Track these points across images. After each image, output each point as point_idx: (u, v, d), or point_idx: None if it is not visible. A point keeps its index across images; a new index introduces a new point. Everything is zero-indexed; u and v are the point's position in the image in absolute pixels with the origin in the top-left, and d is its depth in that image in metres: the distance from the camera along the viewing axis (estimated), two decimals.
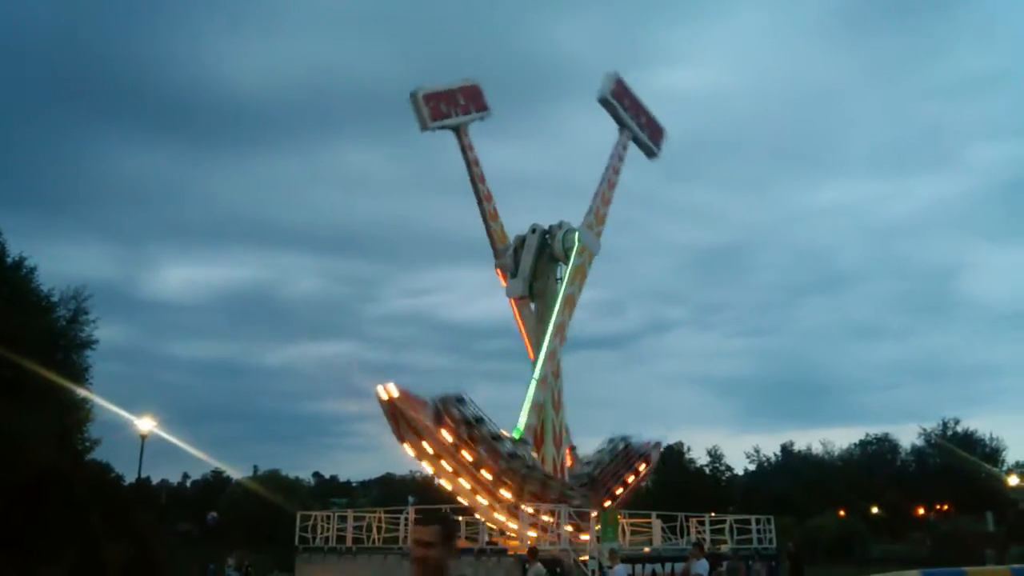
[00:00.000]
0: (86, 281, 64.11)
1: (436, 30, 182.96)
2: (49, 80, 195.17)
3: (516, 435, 28.74)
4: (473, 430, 26.97)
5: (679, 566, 28.14)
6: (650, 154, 36.94)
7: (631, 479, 34.26)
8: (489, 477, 26.61)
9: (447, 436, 26.56)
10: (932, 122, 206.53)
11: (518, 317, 32.28)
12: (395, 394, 26.61)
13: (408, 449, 27.30)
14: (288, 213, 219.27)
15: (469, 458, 26.57)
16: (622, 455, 34.31)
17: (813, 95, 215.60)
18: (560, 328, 31.23)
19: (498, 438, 27.57)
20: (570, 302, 31.43)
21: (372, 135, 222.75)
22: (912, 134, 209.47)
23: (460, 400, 27.60)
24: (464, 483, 27.36)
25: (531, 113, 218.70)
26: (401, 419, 26.78)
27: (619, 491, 33.55)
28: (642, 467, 34.86)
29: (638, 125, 35.80)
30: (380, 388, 26.94)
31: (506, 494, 26.75)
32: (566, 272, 31.86)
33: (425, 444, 26.77)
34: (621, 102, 34.74)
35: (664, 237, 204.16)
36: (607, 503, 32.01)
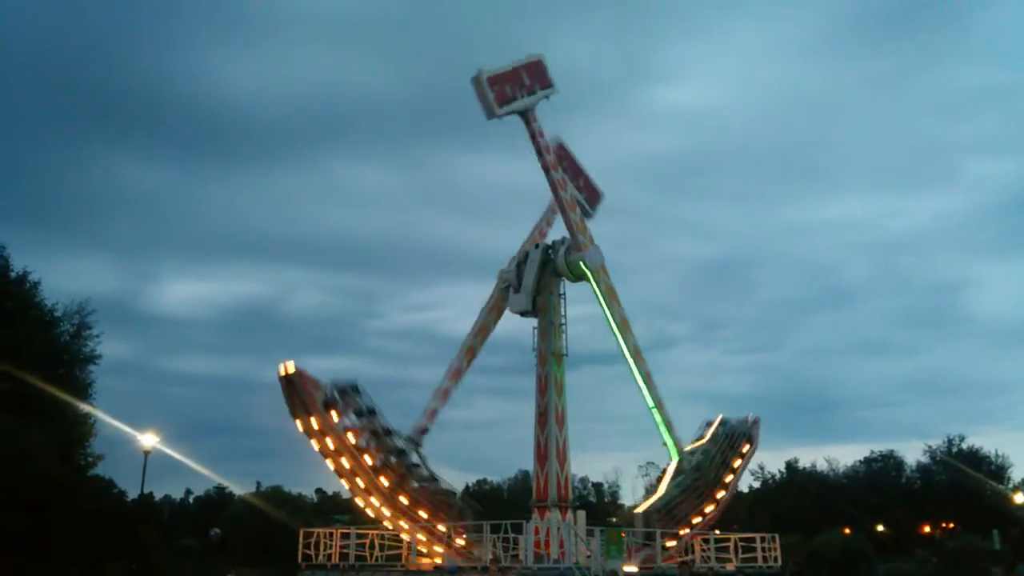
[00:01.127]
0: (89, 296, 64.21)
1: (437, 45, 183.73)
2: (53, 95, 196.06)
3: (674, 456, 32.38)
4: (363, 419, 28.20)
5: None
6: (585, 214, 35.84)
7: (738, 463, 34.52)
8: (370, 463, 27.46)
9: (334, 417, 27.34)
10: (933, 138, 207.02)
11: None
12: (292, 371, 27.13)
13: (298, 424, 27.81)
14: (291, 228, 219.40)
15: (353, 440, 27.41)
16: (723, 439, 34.69)
17: (814, 111, 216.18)
18: (636, 352, 32.39)
19: (389, 432, 28.81)
20: (624, 324, 31.97)
21: (374, 149, 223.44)
22: (913, 149, 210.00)
23: (355, 389, 28.41)
24: (360, 483, 27.93)
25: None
26: (295, 396, 27.38)
27: (728, 478, 34.01)
28: (746, 448, 35.07)
29: (575, 187, 35.41)
30: (281, 365, 27.55)
31: (385, 482, 27.66)
32: (565, 288, 32.90)
33: (313, 420, 27.30)
34: (560, 162, 33.75)
35: (666, 253, 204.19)
36: (709, 507, 33.04)
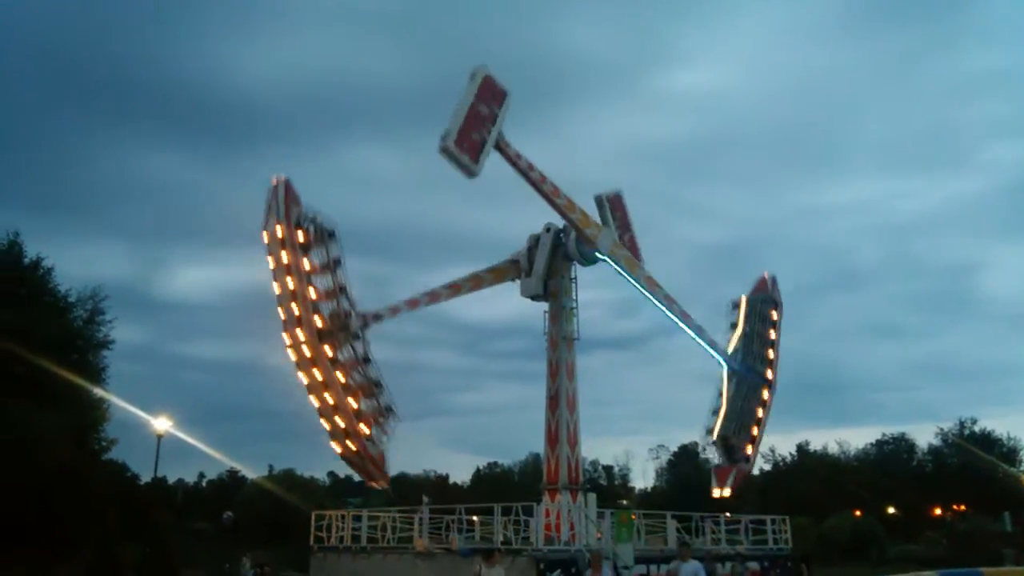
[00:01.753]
0: (102, 282, 64.54)
1: (448, 30, 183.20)
2: (65, 82, 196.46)
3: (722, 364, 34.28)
4: (326, 262, 27.04)
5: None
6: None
7: (773, 334, 35.95)
8: (314, 296, 26.22)
9: (299, 237, 26.51)
10: (945, 120, 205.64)
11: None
12: (282, 178, 26.92)
13: (264, 236, 26.88)
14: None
15: (308, 268, 26.44)
16: (753, 318, 35.71)
17: (825, 94, 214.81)
18: (669, 299, 33.05)
19: (345, 290, 27.29)
20: (651, 281, 32.48)
21: (383, 135, 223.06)
22: (924, 132, 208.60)
23: (332, 234, 27.39)
24: (295, 309, 26.32)
25: (544, 113, 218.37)
26: (275, 201, 26.75)
27: (771, 354, 35.71)
28: (774, 314, 36.23)
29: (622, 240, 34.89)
30: (274, 176, 27.31)
31: (319, 323, 26.12)
32: (574, 276, 32.67)
33: (279, 229, 26.42)
34: (613, 212, 33.89)
35: (678, 236, 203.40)
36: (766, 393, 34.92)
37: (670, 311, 33.13)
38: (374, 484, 27.63)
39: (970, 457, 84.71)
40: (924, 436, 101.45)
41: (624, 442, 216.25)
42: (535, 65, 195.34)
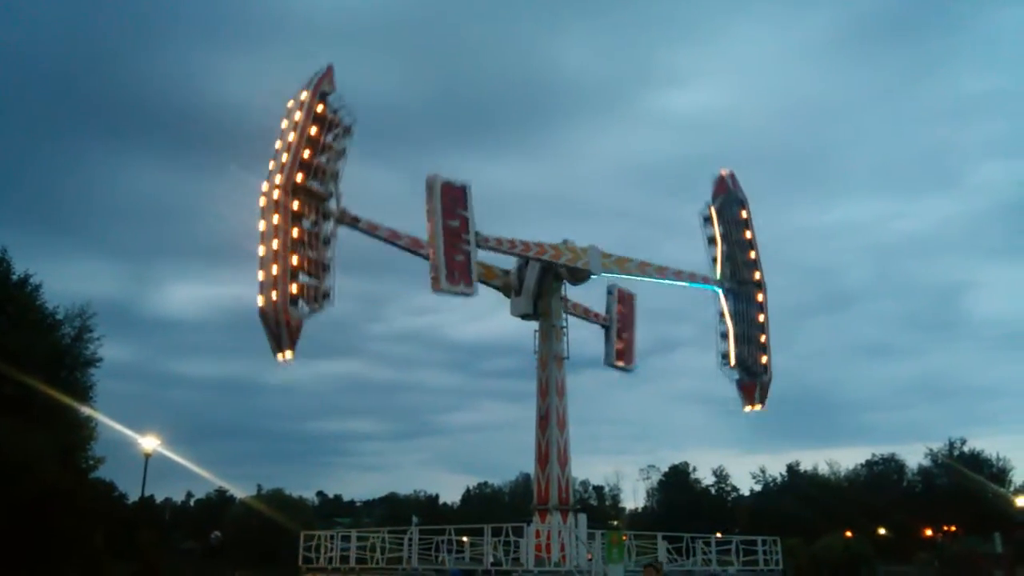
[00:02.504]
0: (91, 299, 64.15)
1: (446, 49, 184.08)
2: (54, 100, 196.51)
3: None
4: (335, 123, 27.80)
5: None
6: (607, 360, 36.46)
7: (749, 234, 35.98)
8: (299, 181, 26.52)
9: (316, 105, 27.31)
10: (936, 142, 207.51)
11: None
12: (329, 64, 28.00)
13: (288, 103, 28.00)
14: None
15: (312, 133, 27.08)
16: (728, 226, 35.84)
17: (817, 115, 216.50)
18: (661, 270, 33.46)
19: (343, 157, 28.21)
20: (644, 265, 32.78)
21: (378, 152, 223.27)
22: (916, 153, 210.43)
23: (348, 128, 28.14)
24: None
25: (536, 132, 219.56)
26: (309, 80, 27.67)
27: (753, 255, 36.02)
28: (744, 213, 35.99)
29: (615, 331, 35.70)
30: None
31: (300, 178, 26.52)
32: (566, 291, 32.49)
33: (303, 95, 27.43)
34: (620, 304, 35.60)
35: (669, 256, 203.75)
36: None
37: (656, 277, 33.57)
38: (280, 355, 26.39)
39: (960, 478, 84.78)
40: (914, 456, 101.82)
41: (614, 462, 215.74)
42: (531, 85, 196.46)
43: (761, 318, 35.84)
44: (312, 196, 27.14)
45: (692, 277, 34.87)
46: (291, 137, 26.88)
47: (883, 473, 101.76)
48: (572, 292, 32.97)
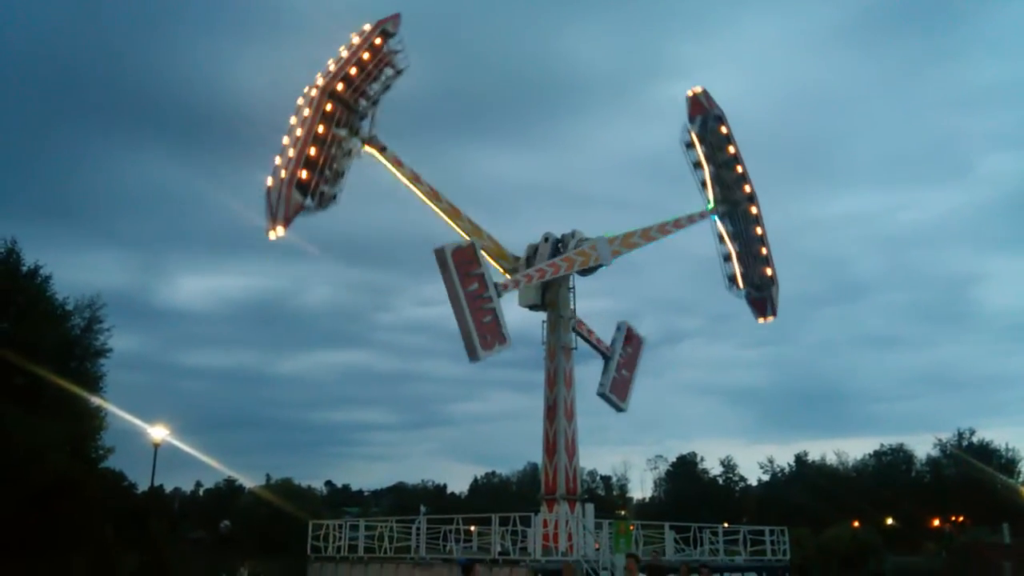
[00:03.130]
0: (101, 290, 64.50)
1: (451, 42, 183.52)
2: (64, 92, 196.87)
3: None
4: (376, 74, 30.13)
5: None
6: (601, 390, 34.82)
7: (732, 149, 35.52)
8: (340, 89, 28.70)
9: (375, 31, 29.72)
10: (945, 132, 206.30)
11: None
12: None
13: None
14: (302, 223, 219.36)
15: (366, 57, 29.48)
16: (705, 143, 35.30)
17: (826, 105, 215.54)
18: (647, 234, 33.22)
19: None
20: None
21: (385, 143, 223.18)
22: (926, 144, 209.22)
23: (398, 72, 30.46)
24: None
25: (543, 124, 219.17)
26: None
27: (740, 169, 35.66)
28: (723, 128, 35.36)
29: (616, 365, 34.56)
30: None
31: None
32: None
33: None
34: (626, 343, 34.98)
35: (677, 247, 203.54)
36: None
37: (660, 236, 33.72)
38: (272, 230, 27.68)
39: (968, 468, 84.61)
40: (922, 447, 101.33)
41: (622, 452, 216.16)
42: (538, 78, 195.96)
43: (759, 231, 36.15)
44: (347, 107, 29.33)
45: (691, 220, 34.93)
46: (343, 53, 29.11)
47: (892, 463, 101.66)
48: (581, 286, 32.93)
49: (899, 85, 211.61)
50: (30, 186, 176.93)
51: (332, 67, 28.89)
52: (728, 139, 35.39)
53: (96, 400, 41.12)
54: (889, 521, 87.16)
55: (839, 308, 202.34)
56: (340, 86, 28.64)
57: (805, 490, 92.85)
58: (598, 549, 27.62)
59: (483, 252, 27.57)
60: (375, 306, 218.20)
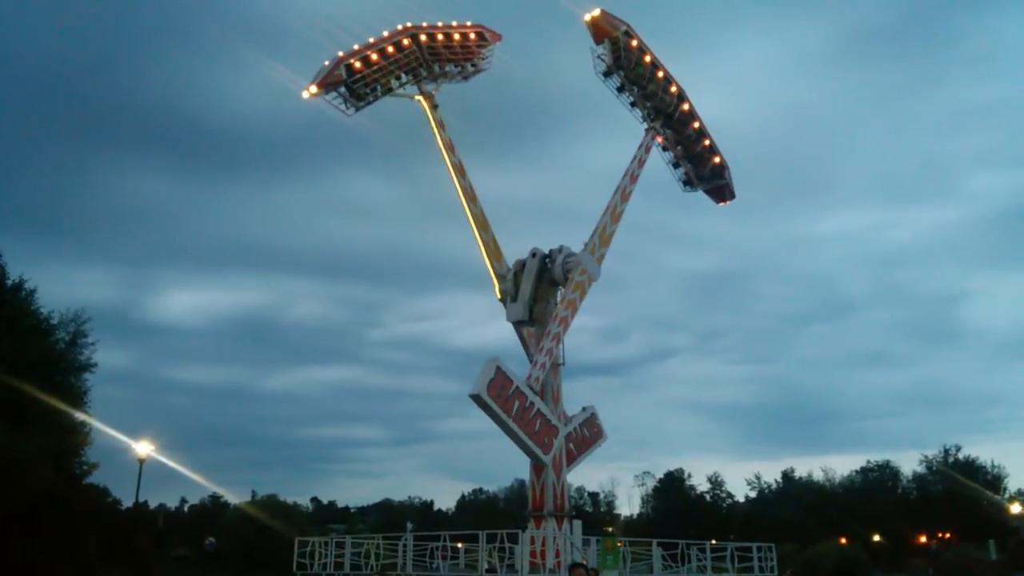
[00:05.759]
0: (87, 305, 64.00)
1: None
2: (54, 105, 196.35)
3: None
4: None
5: None
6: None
7: (648, 58, 34.87)
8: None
9: None
10: (932, 151, 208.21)
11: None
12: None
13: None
14: (291, 239, 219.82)
15: None
16: (624, 67, 34.73)
17: (814, 125, 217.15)
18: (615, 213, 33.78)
19: None
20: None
21: (376, 161, 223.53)
22: (912, 163, 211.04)
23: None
24: None
25: (530, 142, 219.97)
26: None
27: (660, 74, 35.34)
28: (634, 42, 34.11)
29: (564, 437, 31.57)
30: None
31: None
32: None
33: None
34: (586, 425, 33.83)
35: (665, 264, 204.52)
36: None
37: (624, 203, 34.21)
38: (306, 89, 32.58)
39: (955, 485, 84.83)
40: (909, 464, 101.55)
41: (609, 468, 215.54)
42: (527, 95, 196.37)
43: (697, 125, 36.74)
44: (422, 57, 33.48)
45: (640, 162, 35.29)
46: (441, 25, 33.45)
47: (878, 480, 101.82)
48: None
49: (887, 105, 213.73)
50: (16, 199, 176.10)
51: (426, 24, 33.03)
52: (642, 50, 34.40)
53: (80, 415, 40.78)
54: (876, 537, 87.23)
55: (826, 326, 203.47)
56: (424, 37, 32.65)
57: (792, 507, 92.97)
58: (586, 565, 27.52)
59: (504, 369, 27.47)
60: (364, 322, 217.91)
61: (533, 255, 32.51)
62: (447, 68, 34.32)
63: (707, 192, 38.32)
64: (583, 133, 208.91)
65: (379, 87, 33.12)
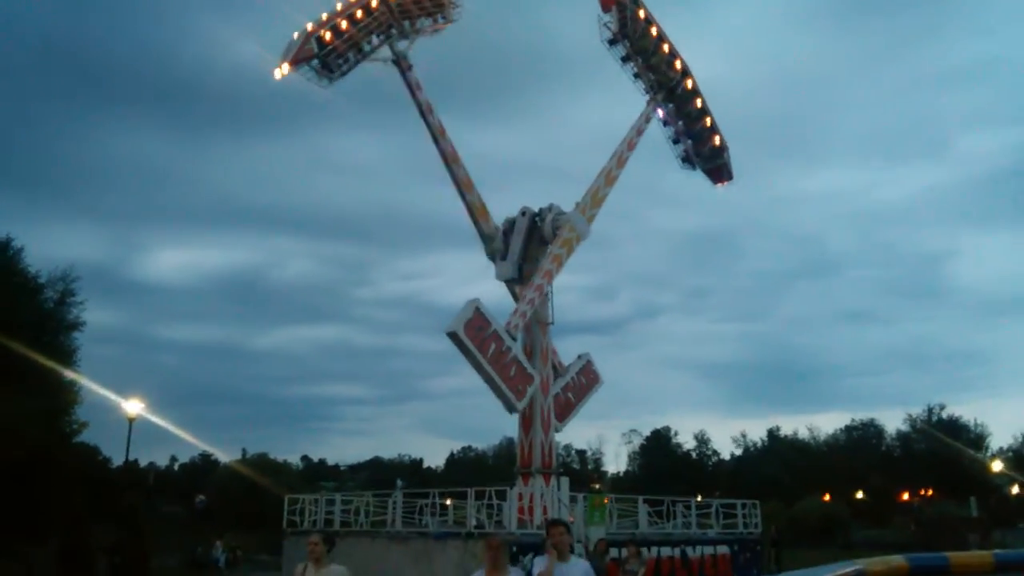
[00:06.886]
0: (76, 263, 63.73)
1: None
2: (38, 61, 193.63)
3: None
4: None
5: (665, 551, 28.43)
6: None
7: (655, 30, 34.47)
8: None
9: None
10: (922, 110, 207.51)
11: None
12: None
13: None
14: (281, 196, 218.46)
15: None
16: (630, 36, 34.21)
17: (803, 82, 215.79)
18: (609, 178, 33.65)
19: None
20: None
21: (365, 118, 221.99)
22: (902, 122, 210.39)
23: None
24: None
25: (520, 98, 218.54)
26: None
27: (666, 48, 34.75)
28: (641, 12, 33.93)
29: (564, 385, 33.26)
30: None
31: None
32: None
33: None
34: (583, 373, 34.54)
35: (654, 223, 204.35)
36: None
37: (619, 170, 34.12)
38: (279, 68, 30.23)
39: (938, 443, 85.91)
40: (893, 422, 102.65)
41: (597, 426, 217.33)
42: (515, 53, 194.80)
43: (699, 103, 36.33)
44: (390, 16, 31.69)
45: (639, 131, 35.10)
46: None
47: (862, 438, 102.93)
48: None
49: (876, 63, 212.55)
50: (3, 157, 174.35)
51: None
52: (648, 21, 34.25)
53: (70, 374, 40.81)
54: (859, 494, 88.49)
55: (813, 284, 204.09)
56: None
57: (777, 464, 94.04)
58: (573, 522, 27.92)
59: (483, 310, 27.39)
60: (353, 280, 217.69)
61: (523, 213, 32.48)
62: (418, 24, 32.89)
63: (705, 172, 37.91)
64: (574, 91, 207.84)
65: (351, 56, 31.57)
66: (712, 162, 37.52)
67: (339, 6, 30.74)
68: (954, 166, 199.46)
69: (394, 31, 32.26)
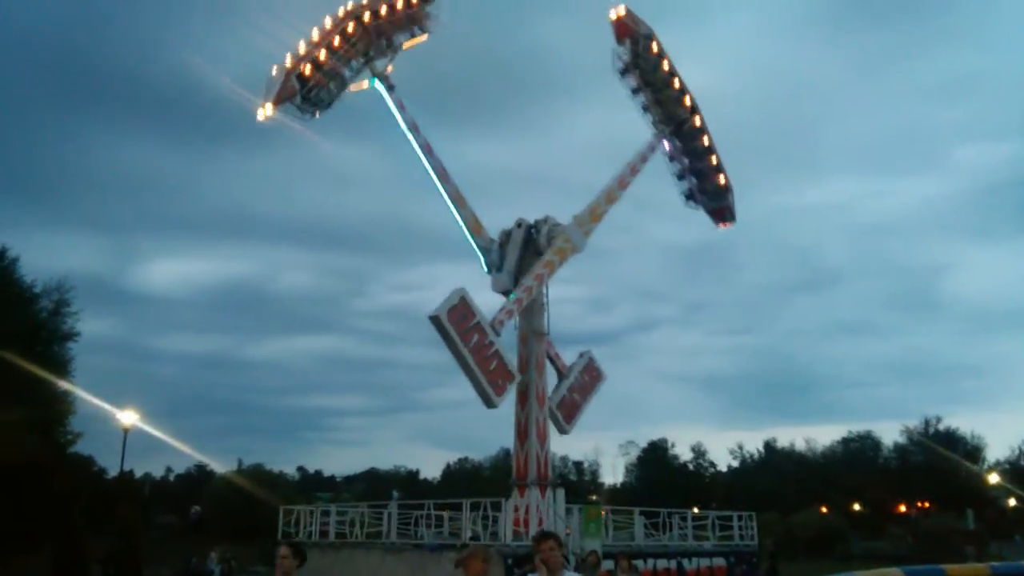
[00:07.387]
0: (72, 273, 63.70)
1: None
2: (36, 68, 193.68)
3: None
4: None
5: (661, 562, 28.35)
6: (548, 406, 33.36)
7: (667, 65, 34.54)
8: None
9: None
10: (918, 122, 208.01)
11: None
12: None
13: None
14: (277, 207, 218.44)
15: None
16: (640, 68, 34.35)
17: (798, 94, 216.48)
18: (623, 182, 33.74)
19: None
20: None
21: (362, 130, 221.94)
22: (898, 134, 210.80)
23: None
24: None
25: (519, 110, 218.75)
26: None
27: (677, 83, 34.67)
28: (654, 46, 34.13)
29: (568, 386, 34.10)
30: None
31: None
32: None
33: None
34: (586, 371, 34.92)
35: (652, 235, 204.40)
36: None
37: (621, 191, 33.93)
38: (262, 108, 29.24)
39: (934, 455, 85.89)
40: (890, 434, 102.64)
41: (594, 437, 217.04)
42: (513, 64, 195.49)
43: (706, 141, 36.09)
44: (367, 37, 30.68)
45: (643, 158, 34.90)
46: None
47: (859, 450, 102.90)
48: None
49: (872, 74, 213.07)
50: None
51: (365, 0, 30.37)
52: (661, 55, 34.41)
53: (64, 384, 40.75)
54: (856, 507, 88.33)
55: (810, 296, 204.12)
56: (368, 15, 30.04)
57: (774, 476, 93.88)
58: (569, 534, 27.83)
59: (468, 300, 27.10)
60: (350, 291, 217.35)
61: (519, 225, 32.45)
62: (395, 40, 31.94)
63: (709, 212, 37.51)
64: (571, 102, 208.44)
65: (332, 87, 30.56)
66: (716, 202, 37.14)
67: (315, 36, 29.72)
68: (951, 178, 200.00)
69: (372, 52, 31.44)
